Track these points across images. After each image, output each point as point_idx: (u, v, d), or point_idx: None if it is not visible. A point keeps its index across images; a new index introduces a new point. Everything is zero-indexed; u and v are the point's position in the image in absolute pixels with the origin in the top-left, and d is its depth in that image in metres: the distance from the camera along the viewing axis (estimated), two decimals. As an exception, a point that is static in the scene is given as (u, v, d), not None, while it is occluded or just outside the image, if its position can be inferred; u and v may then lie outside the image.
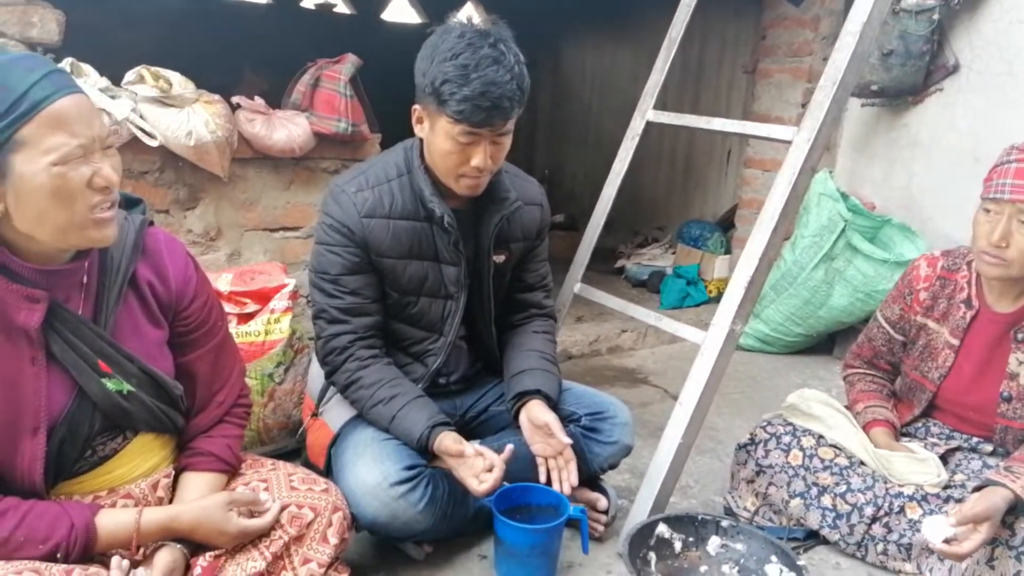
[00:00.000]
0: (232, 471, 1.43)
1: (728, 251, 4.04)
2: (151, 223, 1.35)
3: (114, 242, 1.23)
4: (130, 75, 2.05)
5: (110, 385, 1.24)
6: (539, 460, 1.71)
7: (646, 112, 2.19)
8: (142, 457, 1.34)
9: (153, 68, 2.05)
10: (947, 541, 1.56)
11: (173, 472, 1.39)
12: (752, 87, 3.88)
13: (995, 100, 3.06)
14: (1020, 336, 1.76)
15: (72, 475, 1.27)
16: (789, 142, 1.76)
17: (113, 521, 1.20)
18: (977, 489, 1.62)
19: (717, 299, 3.66)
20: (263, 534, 1.34)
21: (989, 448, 1.85)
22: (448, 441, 1.60)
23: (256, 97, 2.30)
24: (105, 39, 2.87)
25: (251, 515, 1.32)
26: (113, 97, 1.97)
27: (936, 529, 1.57)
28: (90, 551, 1.19)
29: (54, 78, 1.11)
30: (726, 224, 4.21)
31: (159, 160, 2.17)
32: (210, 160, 2.17)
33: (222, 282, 2.09)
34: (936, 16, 3.06)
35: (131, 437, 1.32)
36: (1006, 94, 3.03)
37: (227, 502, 1.26)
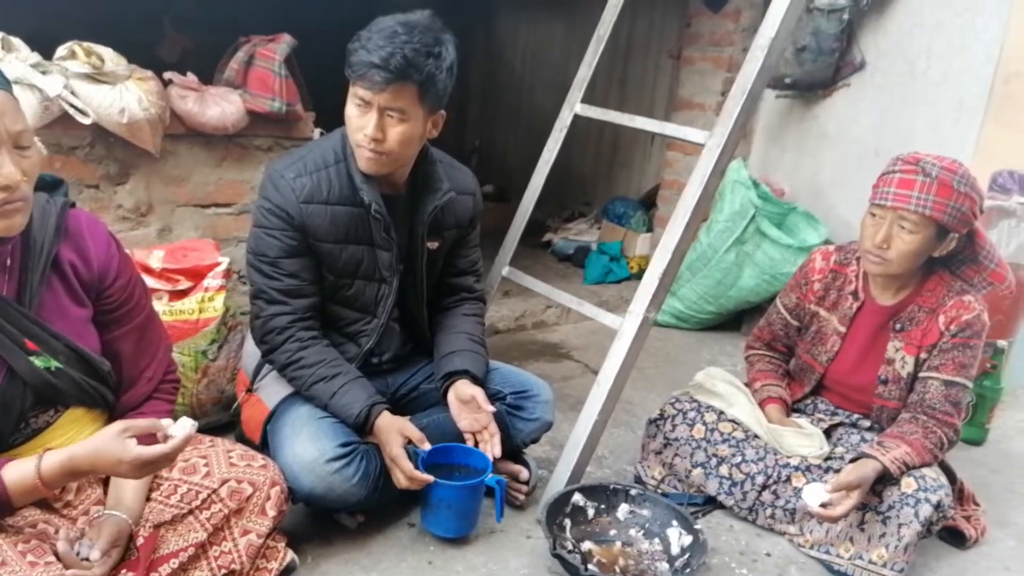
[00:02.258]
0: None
1: (650, 229, 4.21)
2: (73, 205, 1.37)
3: (37, 225, 1.26)
4: (61, 50, 2.02)
5: (38, 362, 1.28)
6: (467, 436, 1.84)
7: (574, 105, 2.30)
8: (75, 429, 1.38)
9: (85, 44, 2.03)
10: (823, 506, 1.77)
11: None
12: (677, 72, 4.03)
13: (897, 97, 3.29)
14: (898, 327, 1.98)
15: (7, 448, 1.31)
16: (702, 145, 1.90)
17: (17, 471, 1.20)
18: (852, 461, 1.84)
19: (639, 275, 3.85)
20: (203, 505, 1.41)
21: (867, 424, 2.08)
22: (399, 423, 1.74)
23: (189, 73, 2.29)
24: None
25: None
26: (44, 73, 1.95)
27: (814, 495, 1.78)
28: (4, 503, 1.20)
29: None
30: (649, 203, 4.37)
31: (90, 135, 2.15)
32: (142, 137, 2.17)
33: (154, 259, 2.11)
34: (846, 16, 3.26)
35: (63, 411, 1.36)
36: (906, 92, 3.26)
37: (120, 430, 1.22)
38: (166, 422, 1.27)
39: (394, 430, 1.72)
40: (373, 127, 1.64)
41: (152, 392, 1.49)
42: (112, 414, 1.46)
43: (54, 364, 1.29)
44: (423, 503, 1.81)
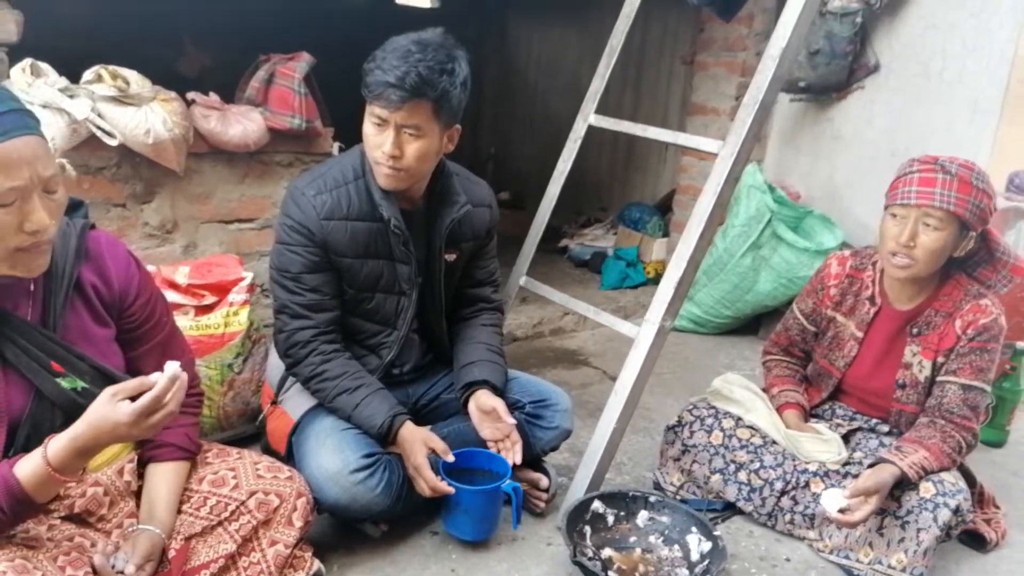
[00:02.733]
0: (192, 456, 1.53)
1: (666, 234, 4.23)
2: (93, 226, 1.41)
3: (59, 249, 1.29)
4: (88, 74, 2.08)
5: (64, 383, 1.31)
6: (489, 444, 1.88)
7: (588, 116, 2.33)
8: (106, 449, 1.41)
9: (111, 67, 2.09)
10: (842, 511, 1.78)
11: (136, 457, 1.48)
12: (691, 78, 4.04)
13: (911, 99, 3.29)
14: (915, 331, 1.98)
15: None
16: (715, 155, 1.92)
17: (28, 464, 1.21)
18: (871, 466, 1.85)
19: (655, 280, 3.86)
20: (232, 516, 1.45)
21: (886, 428, 2.09)
22: (422, 434, 1.79)
23: (211, 93, 2.35)
24: (43, 15, 2.83)
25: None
26: (72, 96, 2.01)
27: (832, 500, 1.79)
28: (24, 499, 1.21)
29: (5, 120, 1.13)
30: (664, 208, 4.39)
31: (116, 156, 2.22)
32: (167, 156, 2.22)
33: (180, 275, 2.16)
34: (859, 19, 3.26)
35: None
36: (921, 94, 3.26)
37: (110, 396, 1.22)
38: (154, 376, 1.25)
39: (418, 440, 1.76)
40: (391, 144, 1.68)
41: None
42: None
43: (80, 384, 1.33)
44: (444, 507, 1.85)
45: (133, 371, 1.43)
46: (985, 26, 3.02)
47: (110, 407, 1.21)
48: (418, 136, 1.69)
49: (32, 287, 1.31)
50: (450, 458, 1.78)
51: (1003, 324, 1.90)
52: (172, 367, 1.25)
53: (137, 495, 1.48)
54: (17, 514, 1.23)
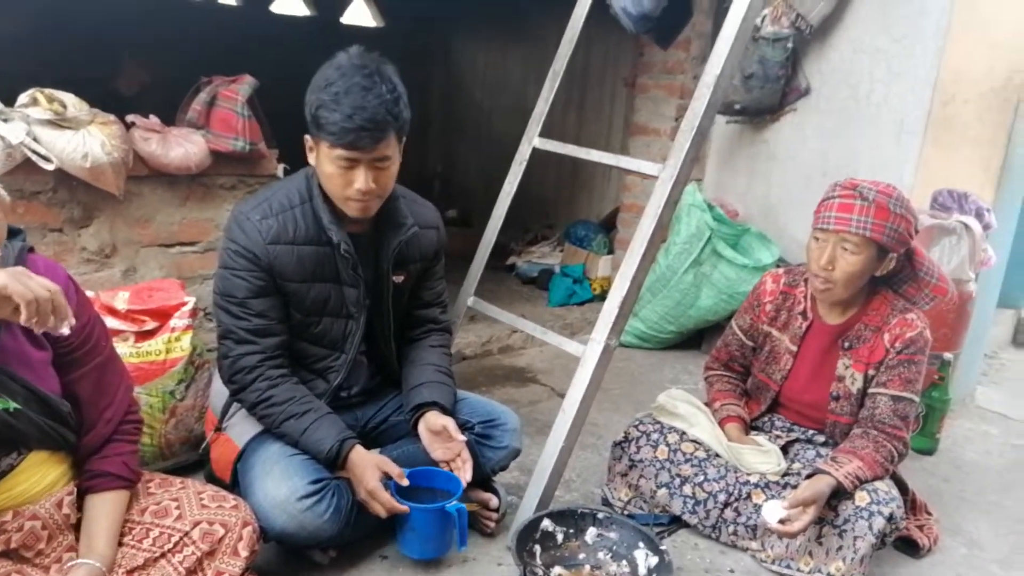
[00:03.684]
0: (132, 485, 1.50)
1: (611, 251, 4.31)
2: (31, 249, 1.39)
3: None
4: (23, 97, 2.04)
5: None
6: (441, 465, 1.88)
7: (533, 139, 2.38)
8: (40, 474, 1.39)
9: (47, 91, 2.04)
10: (782, 522, 1.84)
11: (75, 489, 1.45)
12: (632, 99, 4.14)
13: (841, 121, 3.43)
14: (846, 345, 2.07)
15: None
16: (655, 177, 1.98)
17: None
18: (808, 477, 1.91)
19: (602, 296, 3.93)
20: (176, 548, 1.43)
21: (822, 439, 2.16)
22: (375, 458, 1.78)
23: (151, 116, 2.31)
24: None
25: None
26: (6, 120, 1.96)
27: (772, 512, 1.85)
28: None
29: None
30: (609, 225, 4.47)
31: (52, 180, 2.16)
32: (106, 180, 2.18)
33: (119, 300, 2.12)
34: (790, 44, 3.40)
35: (25, 453, 1.37)
36: (850, 116, 3.41)
37: None
38: None
39: (370, 465, 1.76)
40: (365, 181, 1.69)
41: (112, 433, 1.49)
42: (76, 456, 1.46)
43: (12, 405, 1.30)
44: (397, 526, 1.84)
45: (69, 395, 1.41)
46: (909, 51, 3.18)
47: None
48: (389, 164, 1.73)
49: None
50: (404, 482, 1.78)
51: (928, 337, 2.00)
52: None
53: (77, 528, 1.44)
54: None
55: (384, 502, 1.72)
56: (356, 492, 1.76)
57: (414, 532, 1.81)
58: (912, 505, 2.20)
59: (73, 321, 1.26)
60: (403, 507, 1.74)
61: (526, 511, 2.01)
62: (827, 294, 1.99)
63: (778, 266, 3.19)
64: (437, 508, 1.79)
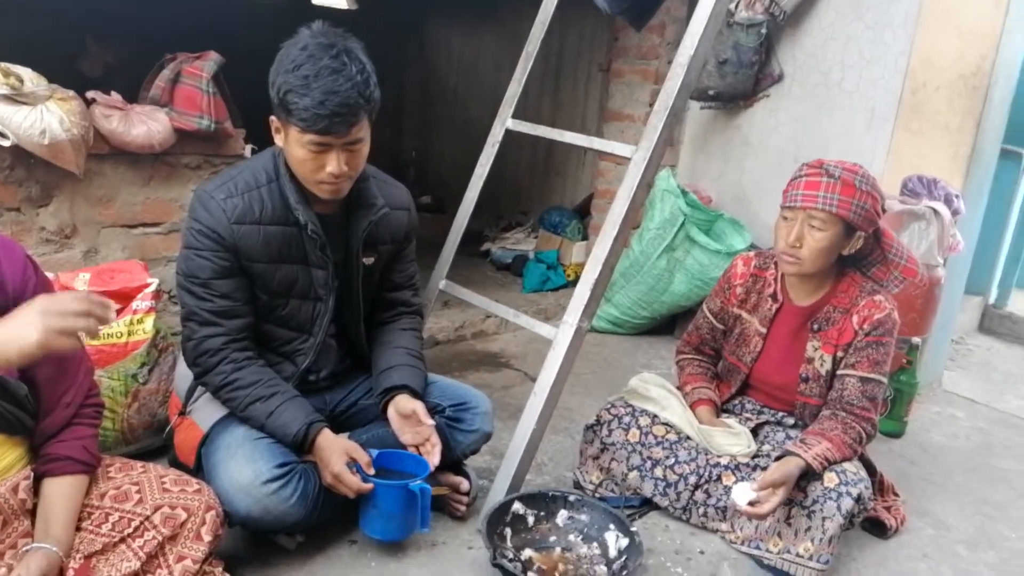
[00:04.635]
0: (91, 470, 1.46)
1: (585, 237, 4.30)
2: None
3: None
4: (-25, 71, 1.97)
5: None
6: (410, 449, 1.86)
7: (506, 120, 2.35)
8: None
9: (3, 64, 1.97)
10: (752, 504, 1.84)
11: (31, 474, 1.40)
12: (607, 84, 4.12)
13: (813, 107, 3.45)
14: (815, 327, 2.07)
15: None
16: (628, 159, 1.97)
17: None
18: (778, 459, 1.92)
19: (575, 283, 3.91)
20: (136, 532, 1.40)
21: (791, 421, 2.17)
22: (343, 444, 1.75)
23: (112, 92, 2.25)
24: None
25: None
26: (-43, 95, 1.89)
27: (742, 494, 1.85)
28: None
29: None
30: (583, 212, 4.46)
31: (9, 158, 2.09)
32: (65, 158, 2.12)
33: (79, 282, 2.06)
34: (764, 30, 3.40)
35: None
36: (821, 102, 3.42)
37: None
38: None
39: (337, 450, 1.73)
40: (337, 165, 1.65)
41: (72, 417, 1.45)
42: (32, 440, 1.42)
43: None
44: (361, 506, 1.80)
45: (27, 378, 1.36)
46: (880, 38, 3.20)
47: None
48: (361, 146, 1.70)
49: None
50: (371, 471, 1.75)
51: (896, 319, 2.01)
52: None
53: (33, 513, 1.40)
54: None
55: (350, 484, 1.70)
56: (322, 476, 1.73)
57: (377, 510, 1.77)
58: (880, 487, 2.22)
59: (115, 306, 1.20)
60: (368, 486, 1.71)
61: (497, 494, 2.00)
62: (795, 270, 1.99)
63: (750, 251, 3.20)
64: (401, 485, 1.76)
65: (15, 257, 1.35)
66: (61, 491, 1.40)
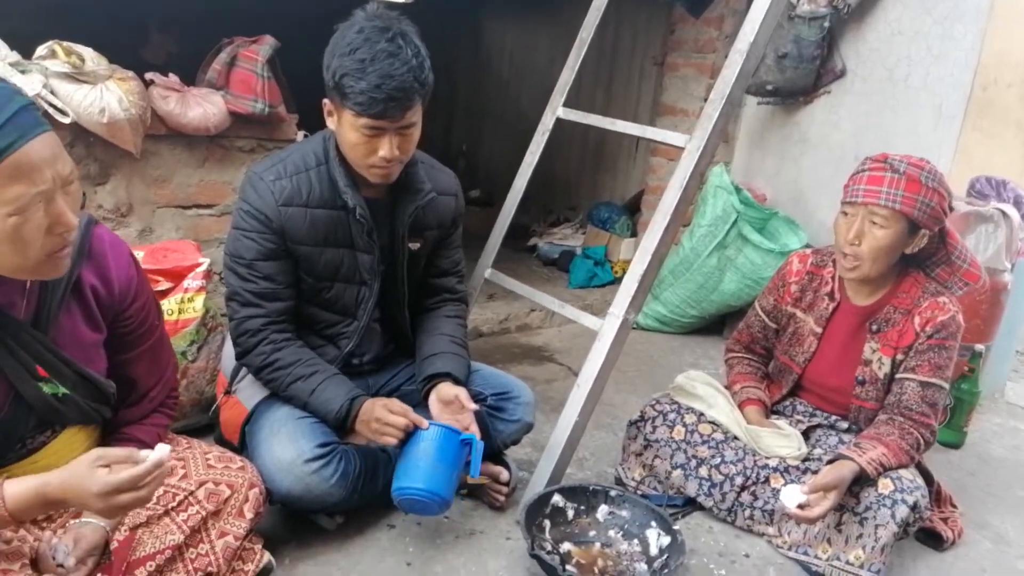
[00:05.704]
0: None
1: (634, 234, 4.23)
2: (96, 222, 1.33)
3: None
4: (41, 50, 2.02)
5: (46, 389, 1.25)
6: None
7: (556, 109, 2.32)
8: (68, 448, 1.36)
9: (65, 43, 2.02)
10: (801, 507, 1.78)
11: None
12: (661, 78, 4.05)
13: (876, 104, 3.33)
14: (874, 328, 1.99)
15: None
16: (682, 148, 1.92)
17: None
18: (830, 462, 1.85)
19: (622, 279, 3.86)
20: (180, 507, 1.40)
21: (845, 425, 2.09)
22: (383, 400, 1.73)
23: (171, 74, 2.29)
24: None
25: None
26: (23, 72, 1.94)
27: (791, 496, 1.79)
28: None
29: (20, 120, 1.05)
30: (633, 208, 4.40)
31: (69, 135, 2.14)
32: (123, 137, 2.16)
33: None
34: (827, 23, 3.29)
35: (59, 431, 1.34)
36: (886, 99, 3.30)
37: (94, 459, 1.13)
38: (144, 453, 1.17)
39: (379, 404, 1.72)
40: (390, 149, 1.65)
41: (154, 410, 1.48)
42: (105, 427, 1.43)
43: (62, 391, 1.27)
44: (402, 460, 1.71)
45: (119, 376, 1.38)
46: (949, 33, 3.07)
47: (87, 471, 1.13)
48: (413, 131, 1.69)
49: (28, 284, 1.23)
50: (424, 424, 1.70)
51: (960, 322, 1.92)
52: (162, 450, 1.17)
53: None
54: None
55: (399, 413, 1.67)
56: (368, 429, 1.71)
57: (426, 456, 1.67)
58: (937, 497, 2.13)
59: (167, 448, 1.19)
60: (417, 417, 1.68)
61: (537, 486, 1.97)
62: (854, 272, 1.92)
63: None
64: (454, 430, 1.72)
65: (121, 256, 1.36)
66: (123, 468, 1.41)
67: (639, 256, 1.94)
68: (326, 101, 1.70)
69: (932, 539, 2.07)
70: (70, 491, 1.13)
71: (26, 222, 1.07)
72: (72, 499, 1.15)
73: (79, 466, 1.14)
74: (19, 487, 1.13)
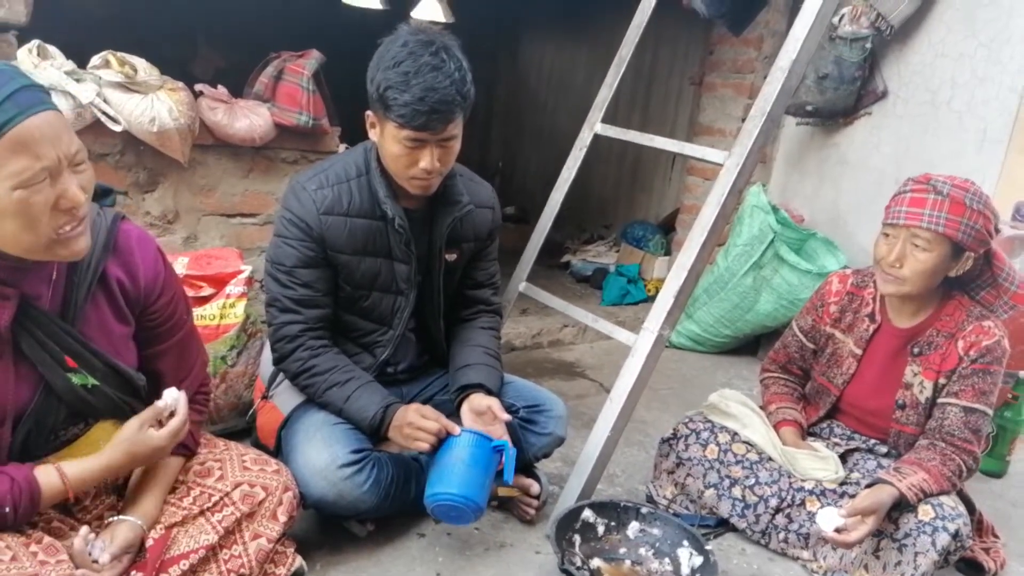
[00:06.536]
0: (191, 454, 1.50)
1: (668, 253, 4.22)
2: (123, 217, 1.36)
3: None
4: (96, 59, 2.09)
5: (75, 380, 1.28)
6: None
7: (595, 125, 2.33)
8: (101, 441, 1.37)
9: (119, 54, 2.09)
10: (838, 531, 1.74)
11: None
12: (698, 98, 4.05)
13: (918, 126, 3.29)
14: (915, 350, 1.96)
15: (33, 459, 1.30)
16: (721, 165, 1.91)
17: (46, 477, 1.22)
18: (869, 486, 1.81)
19: (655, 298, 3.85)
20: (215, 507, 1.43)
21: (884, 450, 2.05)
22: (416, 406, 1.76)
23: (219, 86, 2.35)
24: (57, 9, 2.85)
25: (160, 425, 1.35)
26: (78, 80, 2.01)
27: (828, 520, 1.75)
28: (36, 504, 1.21)
29: (20, 98, 1.08)
30: (668, 227, 4.39)
31: (120, 143, 2.21)
32: (171, 146, 2.22)
33: (178, 265, 2.15)
34: (869, 44, 3.27)
35: (92, 423, 1.37)
36: (928, 122, 3.26)
37: (137, 427, 1.30)
38: (161, 402, 1.35)
39: (411, 409, 1.74)
40: (431, 161, 1.67)
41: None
42: None
43: (91, 382, 1.29)
44: (434, 467, 1.72)
45: (148, 369, 1.41)
46: (996, 56, 3.03)
47: (144, 435, 1.30)
48: (454, 143, 1.71)
49: (55, 275, 1.26)
50: (456, 430, 1.72)
51: (1006, 346, 1.88)
52: (170, 394, 1.36)
53: (118, 489, 1.44)
54: (23, 519, 1.21)
55: (432, 418, 1.70)
56: (401, 435, 1.72)
57: (460, 461, 1.68)
58: (979, 526, 2.06)
59: (175, 393, 1.37)
60: (453, 424, 1.71)
61: (567, 501, 1.96)
62: (893, 289, 1.88)
63: (844, 272, 3.06)
64: (486, 436, 1.73)
65: (148, 251, 1.38)
66: (161, 470, 1.43)
67: (675, 272, 1.94)
68: (369, 113, 1.73)
69: (973, 569, 2.01)
70: (138, 456, 1.31)
71: (32, 196, 1.09)
72: (142, 460, 1.34)
73: (134, 438, 1.30)
74: (79, 469, 1.26)
